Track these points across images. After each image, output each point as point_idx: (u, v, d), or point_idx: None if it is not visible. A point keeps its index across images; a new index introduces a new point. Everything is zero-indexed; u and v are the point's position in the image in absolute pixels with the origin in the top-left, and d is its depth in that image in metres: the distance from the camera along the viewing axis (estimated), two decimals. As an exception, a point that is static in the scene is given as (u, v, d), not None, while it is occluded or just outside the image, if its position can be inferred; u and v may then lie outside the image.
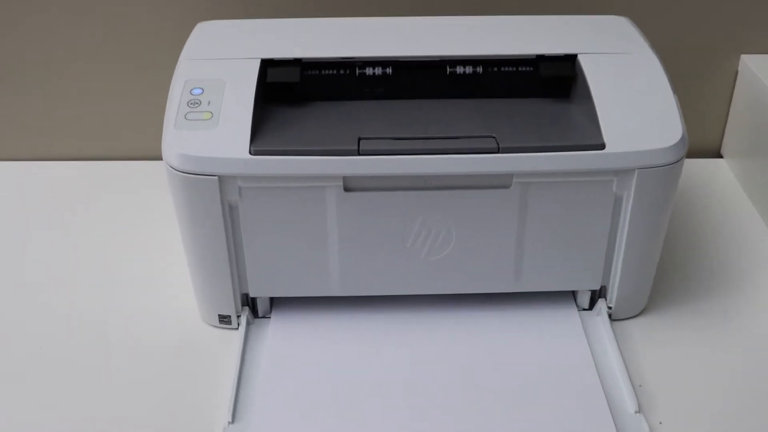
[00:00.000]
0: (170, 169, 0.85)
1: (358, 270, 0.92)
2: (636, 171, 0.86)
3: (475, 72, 0.94)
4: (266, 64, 0.93)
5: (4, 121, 1.26)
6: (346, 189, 0.86)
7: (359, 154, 0.84)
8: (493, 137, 0.85)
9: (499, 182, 0.87)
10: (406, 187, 0.87)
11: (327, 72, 0.95)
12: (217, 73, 0.92)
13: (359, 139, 0.85)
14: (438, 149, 0.84)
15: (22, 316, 0.99)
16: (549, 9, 1.16)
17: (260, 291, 0.94)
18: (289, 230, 0.89)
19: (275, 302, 0.97)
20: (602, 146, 0.84)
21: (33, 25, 1.19)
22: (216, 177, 0.85)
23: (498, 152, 0.84)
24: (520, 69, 0.95)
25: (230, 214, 0.88)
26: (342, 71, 0.95)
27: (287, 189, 0.87)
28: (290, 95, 0.93)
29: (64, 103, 1.25)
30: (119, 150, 1.29)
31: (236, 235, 0.90)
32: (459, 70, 0.94)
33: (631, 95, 0.89)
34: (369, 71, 0.94)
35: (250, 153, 0.84)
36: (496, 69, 0.95)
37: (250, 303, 0.96)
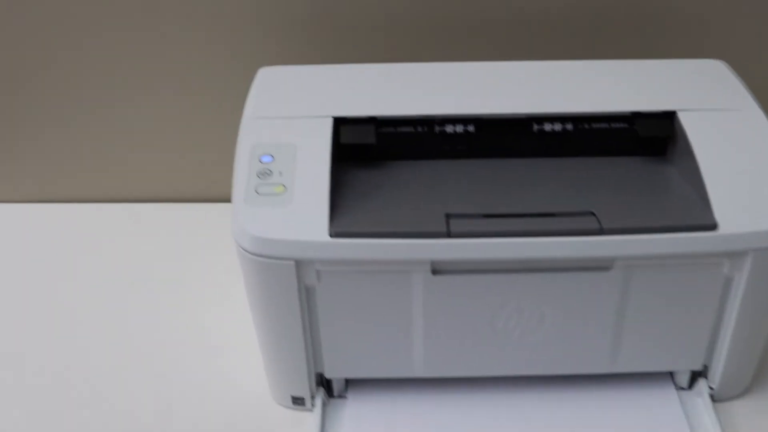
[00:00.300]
0: (242, 250, 0.79)
1: (442, 352, 0.86)
2: (751, 253, 0.78)
3: (564, 129, 0.87)
4: (338, 123, 0.85)
5: (59, 163, 1.20)
6: (434, 272, 0.79)
7: (449, 237, 0.77)
8: (593, 214, 0.78)
9: (598, 264, 0.80)
10: (498, 269, 0.80)
11: (404, 130, 0.87)
12: (286, 135, 0.85)
13: (448, 218, 0.78)
14: (535, 231, 0.77)
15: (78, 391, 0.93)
16: (634, 50, 1.07)
17: (337, 372, 0.88)
18: (369, 312, 0.83)
19: (351, 381, 0.91)
20: (714, 227, 0.77)
21: (93, 67, 1.12)
22: (293, 261, 0.78)
23: (600, 234, 0.77)
24: (613, 126, 0.87)
25: (307, 296, 0.82)
26: (420, 129, 0.87)
27: (369, 273, 0.80)
28: (363, 155, 0.86)
29: (114, 144, 1.19)
30: (175, 192, 1.22)
31: (312, 317, 0.83)
32: (547, 127, 0.87)
33: (741, 163, 0.81)
34: (449, 129, 0.87)
35: (329, 235, 0.77)
36: (587, 126, 0.87)
37: (325, 383, 0.89)
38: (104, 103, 1.14)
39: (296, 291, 0.80)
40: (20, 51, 1.10)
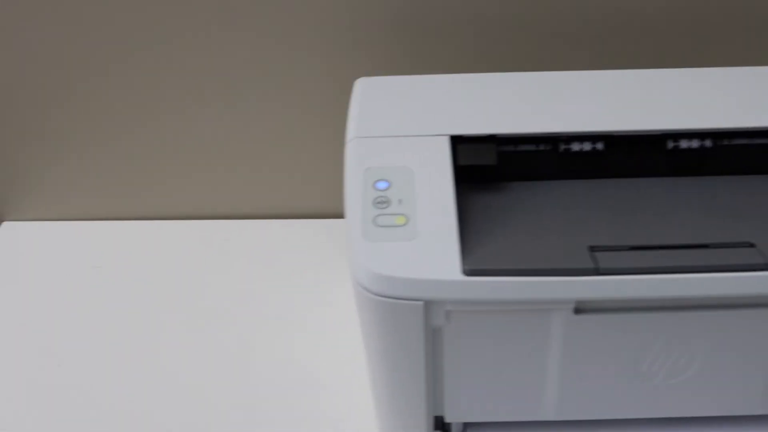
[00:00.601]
0: (362, 290, 0.70)
1: (578, 394, 0.78)
2: None
3: (702, 147, 0.79)
4: (455, 141, 0.77)
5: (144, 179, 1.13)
6: (577, 311, 0.71)
7: (598, 274, 0.68)
8: (753, 245, 0.70)
9: (760, 301, 0.72)
10: (647, 307, 0.72)
11: (525, 149, 0.79)
12: (400, 157, 0.77)
13: (592, 251, 0.70)
14: (690, 266, 0.69)
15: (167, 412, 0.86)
16: (741, 55, 0.99)
17: (458, 416, 0.81)
18: (500, 353, 0.75)
19: (469, 424, 0.84)
20: None
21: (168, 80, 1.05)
22: (421, 302, 0.70)
23: (765, 269, 0.69)
24: (755, 142, 0.79)
25: (433, 337, 0.73)
26: (543, 147, 0.80)
27: (504, 312, 0.71)
28: (481, 176, 0.79)
29: (198, 159, 1.11)
30: (257, 209, 1.14)
31: (437, 358, 0.75)
32: (683, 144, 0.79)
33: None
34: (576, 147, 0.79)
35: (463, 273, 0.68)
36: (727, 143, 0.79)
37: (441, 427, 0.81)
38: (187, 115, 1.07)
39: (422, 332, 0.72)
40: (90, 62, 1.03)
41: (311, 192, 1.11)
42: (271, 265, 1.05)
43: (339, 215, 1.08)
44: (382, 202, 0.73)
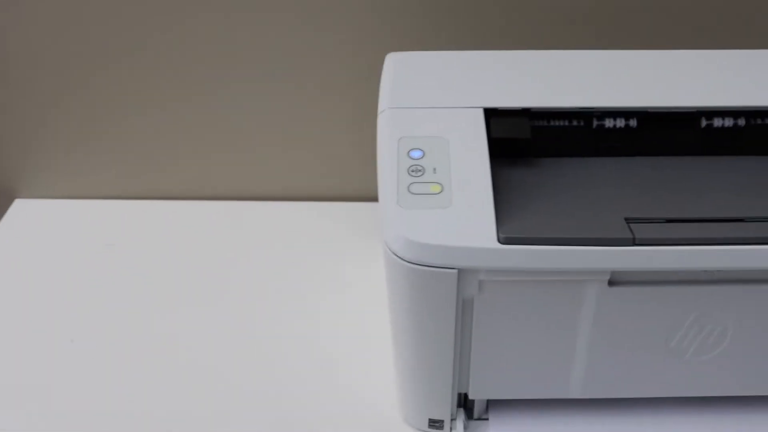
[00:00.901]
0: (394, 257, 0.69)
1: (605, 371, 0.77)
2: None
3: (735, 125, 0.79)
4: (489, 114, 0.77)
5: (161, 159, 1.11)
6: (611, 283, 0.71)
7: (635, 244, 0.68)
8: None
9: (797, 276, 0.71)
10: (681, 280, 0.71)
11: (558, 124, 0.78)
12: (434, 127, 0.76)
13: (628, 223, 0.69)
14: (727, 238, 0.68)
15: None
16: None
17: (483, 393, 0.80)
18: (529, 327, 0.74)
19: (493, 401, 0.83)
20: None
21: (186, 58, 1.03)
22: (455, 270, 0.69)
23: (803, 243, 0.68)
24: (789, 122, 0.79)
25: (463, 309, 0.73)
26: (576, 123, 0.79)
27: (537, 282, 0.71)
28: (513, 150, 0.78)
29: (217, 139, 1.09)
30: (304, 190, 1.13)
31: (465, 332, 0.74)
32: (717, 122, 0.78)
33: None
34: (609, 123, 0.79)
35: (499, 241, 0.68)
36: (760, 122, 0.79)
37: (465, 404, 0.81)
38: (204, 94, 1.06)
39: (454, 303, 0.71)
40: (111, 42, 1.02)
41: (335, 174, 1.11)
42: (288, 247, 1.04)
43: (360, 198, 1.10)
44: (416, 171, 0.72)
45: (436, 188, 0.71)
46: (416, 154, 0.74)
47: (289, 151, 1.09)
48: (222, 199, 1.12)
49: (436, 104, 0.78)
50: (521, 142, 0.77)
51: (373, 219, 1.02)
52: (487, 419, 0.82)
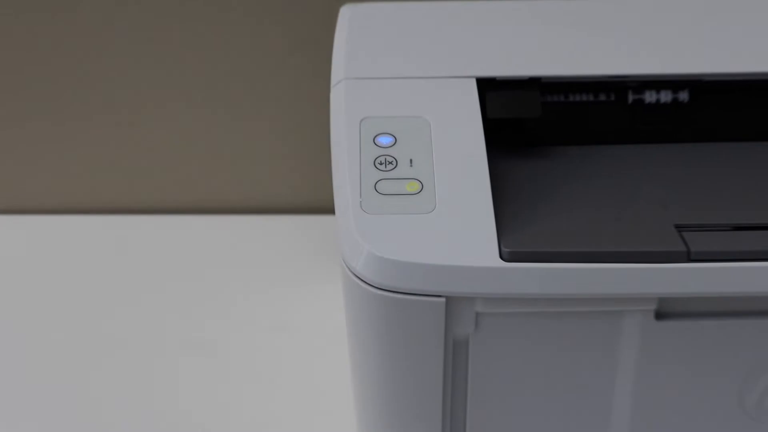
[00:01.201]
0: (355, 279, 0.53)
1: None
2: None
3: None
4: (483, 86, 0.61)
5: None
6: (659, 315, 0.53)
7: (690, 261, 0.50)
8: None
9: None
10: (756, 311, 0.54)
11: (580, 99, 0.64)
12: (409, 104, 0.60)
13: (680, 231, 0.52)
14: None
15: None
16: None
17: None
18: (545, 378, 0.57)
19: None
20: None
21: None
22: (442, 299, 0.52)
23: None
24: None
25: (453, 353, 0.55)
26: (605, 97, 0.64)
27: (555, 315, 0.53)
28: (518, 136, 0.63)
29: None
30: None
31: (456, 385, 0.57)
32: None
33: None
34: (650, 98, 0.63)
35: (501, 257, 0.51)
36: None
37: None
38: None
39: (441, 344, 0.54)
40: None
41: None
42: (254, 262, 0.96)
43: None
44: (386, 163, 0.56)
45: (414, 186, 0.55)
46: (385, 140, 0.58)
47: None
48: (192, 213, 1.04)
49: (411, 73, 0.62)
50: (529, 123, 0.62)
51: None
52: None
